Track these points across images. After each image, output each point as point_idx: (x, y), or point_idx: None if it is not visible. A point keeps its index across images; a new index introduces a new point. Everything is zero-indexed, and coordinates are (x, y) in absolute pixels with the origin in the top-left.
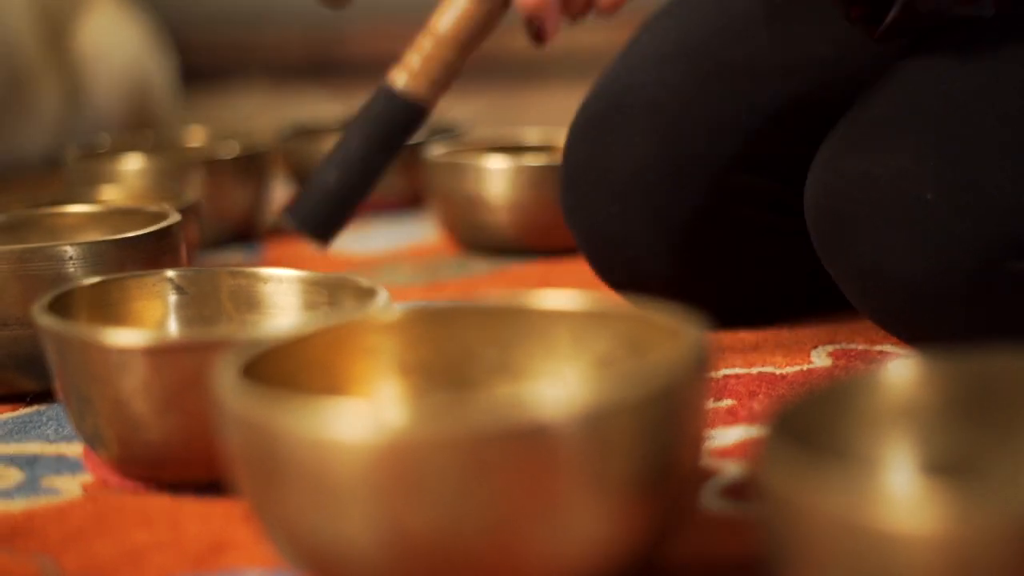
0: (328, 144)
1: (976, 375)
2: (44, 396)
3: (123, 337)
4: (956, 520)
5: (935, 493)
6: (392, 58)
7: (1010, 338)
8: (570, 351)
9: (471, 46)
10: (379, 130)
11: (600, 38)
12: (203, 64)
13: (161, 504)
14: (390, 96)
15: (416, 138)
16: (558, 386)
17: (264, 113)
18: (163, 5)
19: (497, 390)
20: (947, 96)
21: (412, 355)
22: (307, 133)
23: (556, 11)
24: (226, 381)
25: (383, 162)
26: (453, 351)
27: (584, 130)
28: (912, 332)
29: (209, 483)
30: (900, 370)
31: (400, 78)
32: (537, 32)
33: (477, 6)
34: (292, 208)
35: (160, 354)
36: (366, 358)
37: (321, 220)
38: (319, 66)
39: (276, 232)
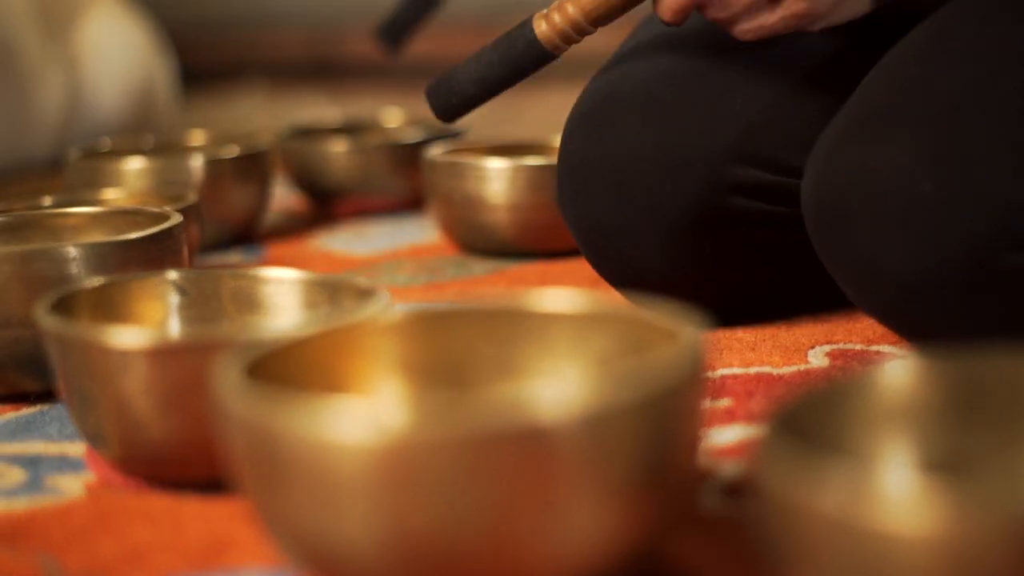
0: (326, 145)
1: (973, 375)
2: (47, 396)
3: (125, 337)
4: (953, 521)
5: (932, 494)
6: (389, 62)
7: (1006, 332)
8: (568, 352)
9: (606, 21)
10: (516, 64)
11: (599, 41)
12: (203, 66)
13: (163, 503)
14: (532, 41)
15: (416, 138)
16: (557, 387)
17: (264, 115)
18: (162, 8)
19: (496, 391)
20: (944, 90)
21: (412, 356)
22: (307, 134)
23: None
24: (228, 382)
25: (510, 85)
26: (453, 352)
27: (580, 123)
28: (909, 326)
29: (211, 482)
30: (897, 370)
31: (541, 26)
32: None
33: None
34: (433, 95)
35: (162, 354)
36: (366, 359)
37: (454, 113)
38: (318, 68)
39: (276, 233)
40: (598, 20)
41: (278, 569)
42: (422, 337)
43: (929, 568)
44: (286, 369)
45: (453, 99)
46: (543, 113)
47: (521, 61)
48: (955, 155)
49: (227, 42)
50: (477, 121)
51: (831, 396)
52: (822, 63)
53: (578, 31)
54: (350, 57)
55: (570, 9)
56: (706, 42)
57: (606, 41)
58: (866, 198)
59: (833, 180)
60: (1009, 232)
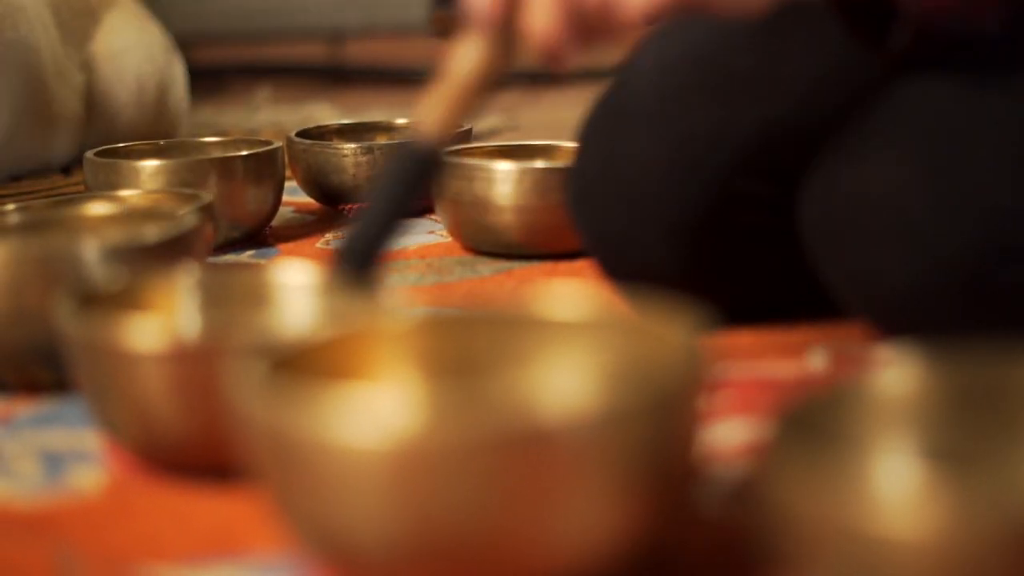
0: (332, 144)
1: (974, 376)
2: (65, 388)
3: (141, 335)
4: (953, 525)
5: (932, 498)
6: (392, 65)
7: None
8: (573, 358)
9: (484, 92)
10: (410, 188)
11: (597, 53)
12: (211, 69)
13: (180, 494)
14: (416, 149)
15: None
16: (563, 392)
17: (273, 117)
18: (169, 13)
19: (505, 395)
20: (938, 109)
21: (421, 360)
22: (316, 136)
23: (570, 44)
24: (248, 383)
25: (408, 207)
26: (462, 355)
27: (592, 134)
28: (908, 338)
29: (228, 473)
30: (898, 372)
31: (423, 130)
32: (553, 64)
33: (488, 58)
34: (343, 258)
35: (177, 352)
36: (377, 362)
37: (370, 266)
38: (325, 72)
39: (288, 233)
40: (475, 94)
41: (292, 557)
42: (432, 341)
43: (929, 572)
44: (298, 372)
45: (358, 260)
46: (552, 117)
47: (415, 183)
48: (949, 172)
49: (234, 46)
50: (487, 125)
51: (832, 398)
52: (823, 84)
53: (460, 113)
54: (354, 63)
55: (443, 90)
56: (713, 58)
57: (604, 54)
58: (862, 216)
59: (829, 200)
60: (1004, 245)
